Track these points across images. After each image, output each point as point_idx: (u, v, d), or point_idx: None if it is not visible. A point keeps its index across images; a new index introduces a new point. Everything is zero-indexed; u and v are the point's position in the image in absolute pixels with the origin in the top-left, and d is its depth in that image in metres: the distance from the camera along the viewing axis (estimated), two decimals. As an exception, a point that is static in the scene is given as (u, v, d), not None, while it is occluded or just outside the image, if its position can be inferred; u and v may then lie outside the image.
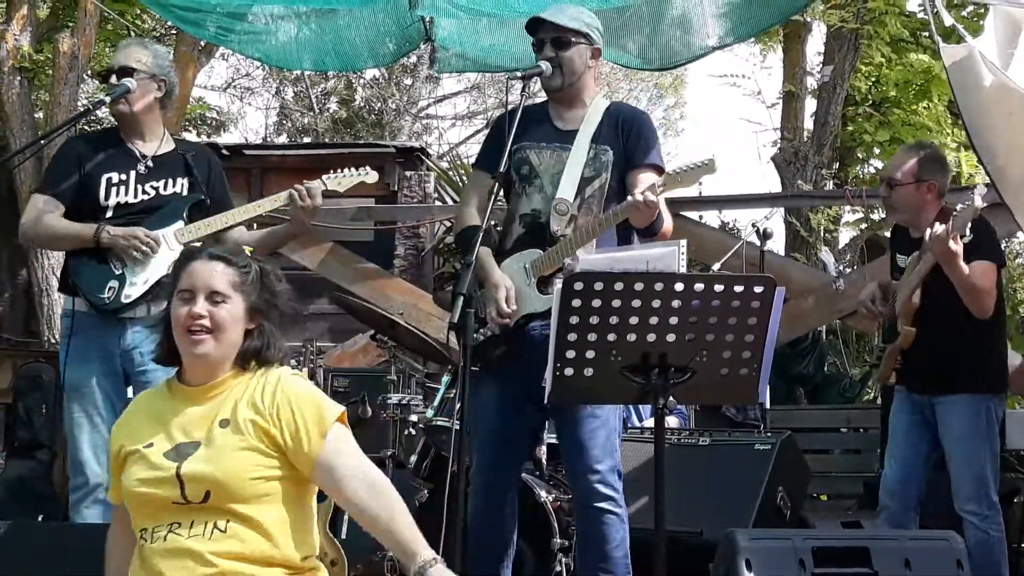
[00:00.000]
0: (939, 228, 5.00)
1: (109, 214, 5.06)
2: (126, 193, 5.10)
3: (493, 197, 4.40)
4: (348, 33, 7.75)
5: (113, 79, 5.14)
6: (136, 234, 4.99)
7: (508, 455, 4.71)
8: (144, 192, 5.12)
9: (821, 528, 6.65)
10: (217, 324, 3.40)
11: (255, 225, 5.41)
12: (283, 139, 23.91)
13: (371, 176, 5.37)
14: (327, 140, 21.55)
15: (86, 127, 12.82)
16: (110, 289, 5.00)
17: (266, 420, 3.38)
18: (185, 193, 5.19)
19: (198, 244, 4.88)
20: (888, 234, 5.90)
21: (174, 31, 13.59)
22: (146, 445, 3.39)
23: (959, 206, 5.04)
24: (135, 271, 5.01)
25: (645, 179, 4.52)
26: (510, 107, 4.55)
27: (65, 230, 5.09)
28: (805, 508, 6.65)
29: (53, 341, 10.20)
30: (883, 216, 13.44)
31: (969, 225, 4.94)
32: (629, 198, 4.32)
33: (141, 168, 5.14)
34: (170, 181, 5.17)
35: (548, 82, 4.66)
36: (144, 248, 4.98)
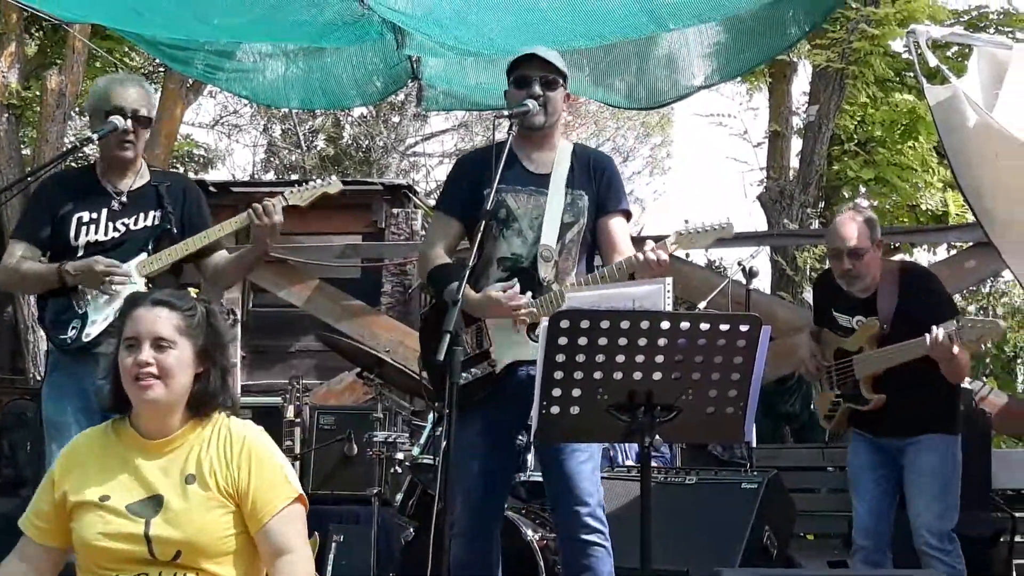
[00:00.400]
0: (940, 334, 5.12)
1: (80, 253, 5.02)
2: (96, 232, 5.05)
3: (473, 240, 4.42)
4: (336, 71, 7.78)
5: (130, 124, 5.04)
6: (92, 268, 4.93)
7: (492, 494, 4.69)
8: (115, 229, 5.07)
9: (808, 567, 6.64)
10: (164, 371, 3.38)
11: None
12: (271, 176, 23.93)
13: (334, 186, 5.31)
14: (315, 177, 21.58)
15: (73, 164, 12.84)
16: (72, 328, 4.97)
17: (231, 471, 3.38)
18: (155, 224, 5.13)
19: (146, 289, 4.86)
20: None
21: (162, 68, 13.60)
22: (101, 498, 3.37)
23: (971, 320, 5.26)
24: (97, 309, 4.98)
25: (618, 224, 4.68)
26: (475, 148, 4.59)
27: (29, 273, 5.06)
28: (792, 547, 6.64)
29: (39, 378, 10.16)
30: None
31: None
32: (640, 255, 4.37)
33: (115, 205, 5.09)
34: (141, 216, 5.12)
35: (532, 120, 4.66)
36: (103, 276, 4.92)
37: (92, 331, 4.96)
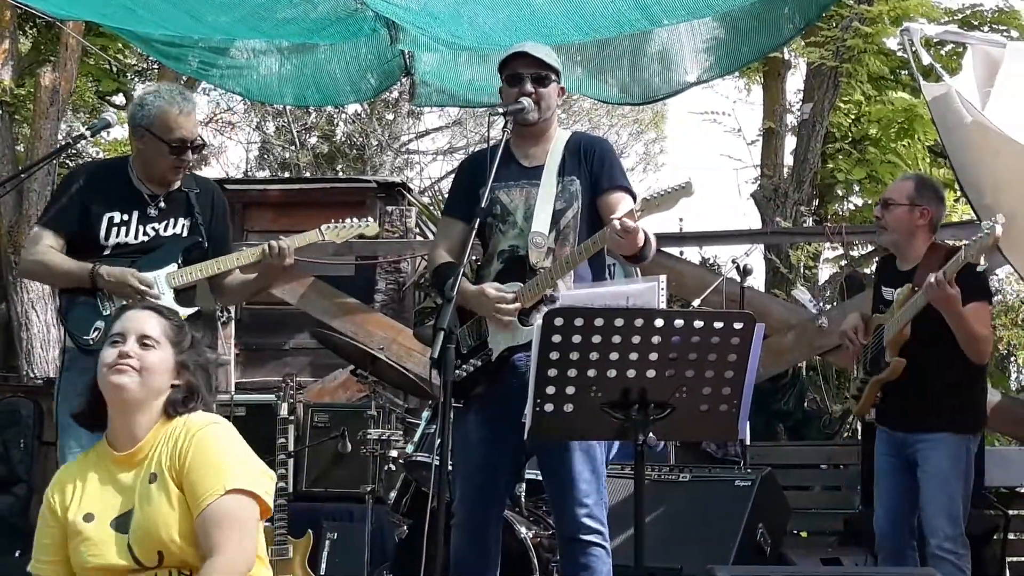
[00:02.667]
0: (933, 276, 5.04)
1: (107, 253, 5.04)
2: (126, 234, 5.07)
3: (470, 242, 4.43)
4: (329, 68, 7.79)
5: (189, 155, 5.10)
6: (127, 282, 4.95)
7: (492, 489, 4.68)
8: (144, 233, 5.09)
9: (801, 565, 6.63)
10: (144, 366, 3.39)
11: None
12: (264, 174, 23.88)
13: (371, 228, 5.34)
14: (308, 175, 21.53)
15: (67, 161, 12.83)
16: (95, 330, 4.97)
17: (176, 460, 3.36)
18: (185, 234, 5.15)
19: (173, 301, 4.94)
20: (868, 271, 5.97)
21: (156, 66, 13.59)
22: (86, 516, 3.38)
23: (967, 241, 5.10)
24: None
25: (616, 200, 4.59)
26: (478, 148, 4.60)
27: (61, 268, 5.07)
28: (785, 544, 6.64)
29: (32, 375, 10.16)
30: (863, 253, 13.51)
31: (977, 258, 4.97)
32: (607, 227, 4.34)
33: (150, 211, 5.11)
34: (171, 222, 5.14)
35: (526, 117, 4.68)
36: (134, 293, 4.93)
37: None
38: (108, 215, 5.07)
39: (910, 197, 5.49)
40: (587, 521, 4.49)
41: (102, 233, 5.06)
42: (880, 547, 5.56)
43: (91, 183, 5.18)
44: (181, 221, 5.15)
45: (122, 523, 3.35)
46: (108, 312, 4.98)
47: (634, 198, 4.60)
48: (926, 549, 5.34)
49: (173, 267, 5.08)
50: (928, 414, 5.37)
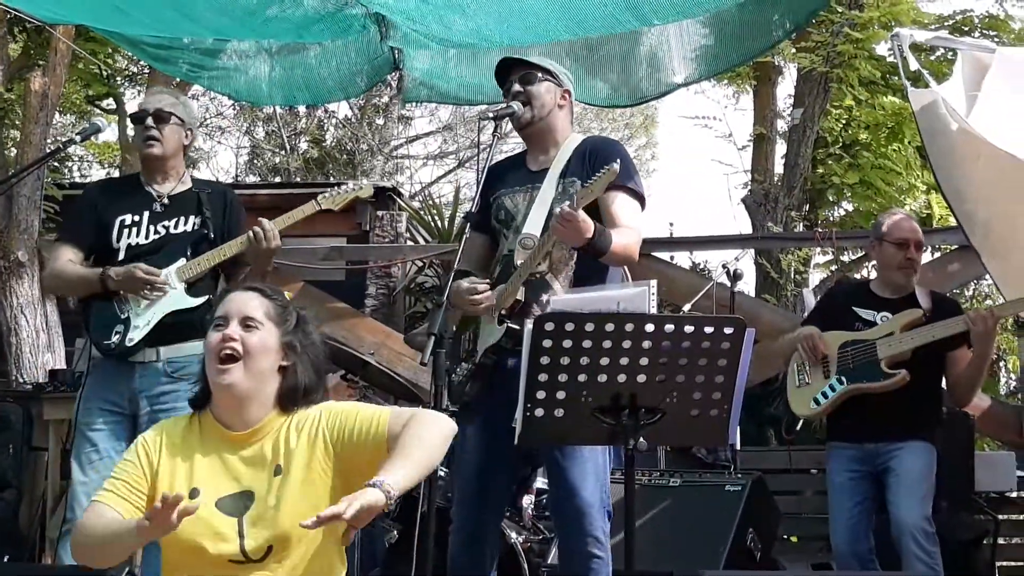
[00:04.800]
0: (982, 308, 5.33)
1: (120, 256, 5.12)
2: (137, 235, 5.16)
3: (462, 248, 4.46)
4: (319, 67, 7.81)
5: (149, 121, 5.21)
6: (133, 275, 5.02)
7: (490, 493, 4.66)
8: (155, 232, 5.18)
9: (791, 570, 6.65)
10: (248, 349, 3.34)
11: None
12: (254, 178, 23.86)
13: (366, 190, 5.34)
14: (299, 179, 21.53)
15: (56, 164, 12.80)
16: (116, 333, 5.05)
17: (319, 439, 3.31)
18: (193, 230, 5.22)
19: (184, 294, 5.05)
20: (859, 276, 6.11)
21: (147, 69, 13.56)
22: (191, 492, 3.28)
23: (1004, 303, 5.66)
24: (139, 314, 5.06)
25: (611, 199, 4.54)
26: (487, 162, 4.60)
27: (75, 277, 5.19)
28: (776, 550, 6.65)
29: (21, 380, 10.12)
30: (853, 258, 13.52)
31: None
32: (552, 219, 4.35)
33: (157, 207, 5.21)
34: (181, 219, 5.22)
35: (519, 118, 4.69)
36: (144, 284, 5.01)
37: (135, 336, 5.05)
38: (120, 218, 5.18)
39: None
40: (588, 529, 4.43)
41: (114, 236, 5.16)
42: (842, 563, 5.70)
43: (103, 193, 5.39)
44: (192, 219, 5.23)
45: (228, 505, 3.28)
46: (126, 315, 5.07)
47: (640, 199, 4.61)
48: (899, 548, 5.42)
49: (182, 261, 5.14)
50: (903, 424, 5.59)
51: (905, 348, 5.59)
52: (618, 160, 4.24)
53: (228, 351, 3.35)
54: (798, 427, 6.30)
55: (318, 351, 3.53)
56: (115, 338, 5.04)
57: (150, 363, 5.06)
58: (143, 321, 5.04)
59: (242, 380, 3.35)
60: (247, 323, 3.39)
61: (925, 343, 5.55)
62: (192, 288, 5.13)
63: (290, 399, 3.42)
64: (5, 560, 7.14)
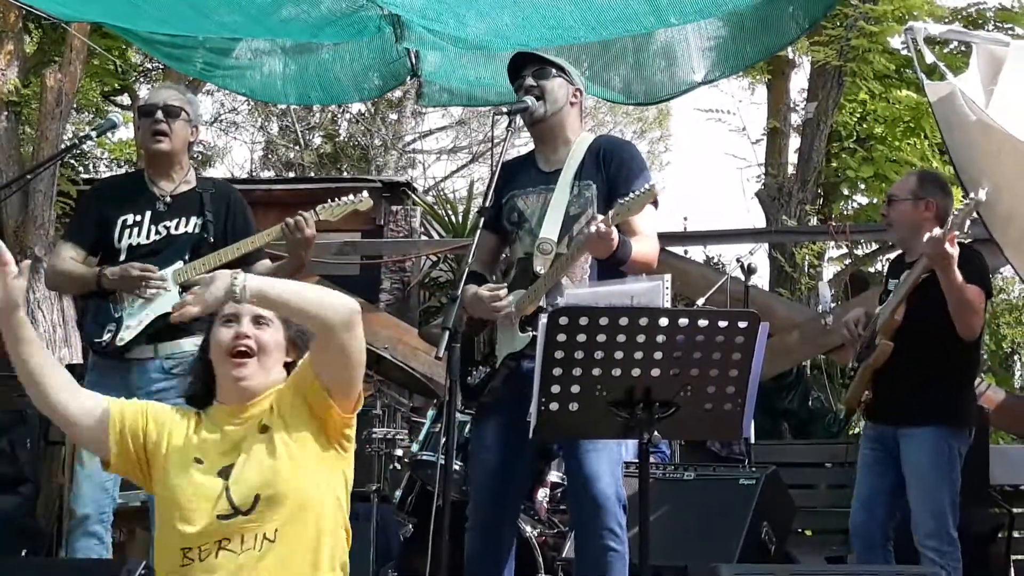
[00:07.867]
0: (936, 231, 5.01)
1: (122, 256, 5.11)
2: (139, 235, 5.14)
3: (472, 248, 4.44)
4: (333, 67, 7.80)
5: (159, 115, 5.17)
6: (128, 273, 5.02)
7: (507, 493, 4.65)
8: (156, 232, 5.15)
9: (806, 563, 6.64)
10: (262, 346, 3.42)
11: None
12: (269, 174, 23.92)
13: (365, 203, 5.34)
14: (313, 175, 21.56)
15: (72, 161, 12.84)
16: (108, 332, 5.04)
17: (287, 391, 3.43)
18: (194, 232, 5.19)
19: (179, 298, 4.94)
20: (873, 270, 6.01)
21: (161, 67, 13.60)
22: (196, 459, 3.38)
23: (957, 207, 5.09)
24: (132, 314, 5.05)
25: None
26: (500, 156, 4.59)
27: (72, 275, 5.19)
28: (790, 543, 6.65)
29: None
30: (867, 252, 13.52)
31: (967, 225, 4.96)
32: (583, 232, 4.34)
33: (159, 206, 5.18)
34: (183, 220, 5.18)
35: (532, 114, 4.66)
36: (139, 281, 5.00)
37: (126, 335, 5.04)
38: (122, 218, 5.16)
39: (913, 191, 5.48)
40: (606, 522, 4.42)
41: (116, 236, 5.14)
42: (853, 541, 5.58)
43: (107, 191, 5.40)
44: (193, 220, 5.19)
45: (227, 472, 3.35)
46: (119, 314, 5.05)
47: (655, 204, 4.55)
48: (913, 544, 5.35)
49: (179, 265, 5.11)
50: (912, 406, 5.34)
51: (887, 313, 5.36)
52: (655, 182, 4.29)
53: (242, 347, 3.42)
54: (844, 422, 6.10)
55: None
56: (106, 336, 5.03)
57: (147, 360, 5.05)
58: (135, 321, 5.03)
59: (256, 376, 3.43)
60: (259, 320, 3.46)
61: (900, 299, 5.28)
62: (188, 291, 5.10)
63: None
64: (23, 554, 7.17)
